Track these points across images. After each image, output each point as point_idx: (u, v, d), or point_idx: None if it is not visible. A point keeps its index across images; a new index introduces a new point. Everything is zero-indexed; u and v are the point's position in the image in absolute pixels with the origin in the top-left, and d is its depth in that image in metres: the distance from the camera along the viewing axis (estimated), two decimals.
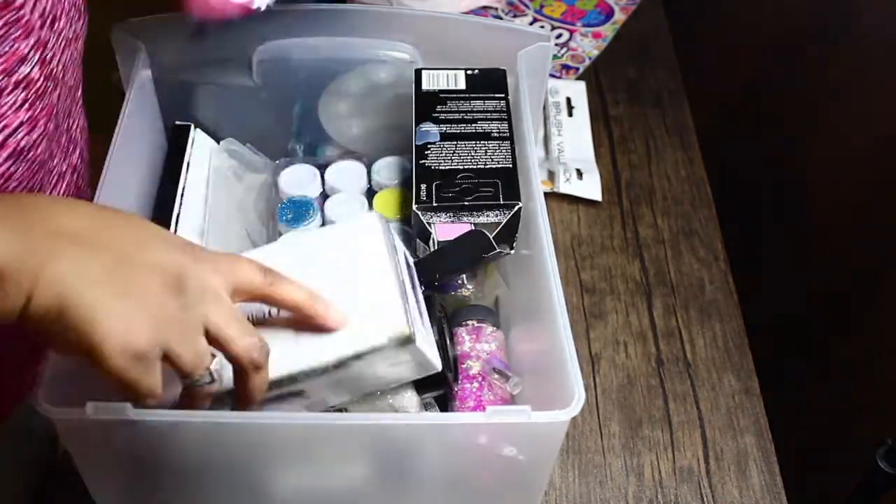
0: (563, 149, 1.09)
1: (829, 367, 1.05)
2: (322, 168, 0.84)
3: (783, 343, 1.12)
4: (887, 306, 0.93)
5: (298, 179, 0.82)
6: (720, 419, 0.85)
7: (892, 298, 0.93)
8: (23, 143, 0.63)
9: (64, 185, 0.73)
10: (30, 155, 0.64)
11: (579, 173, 1.04)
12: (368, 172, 0.83)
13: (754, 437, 0.84)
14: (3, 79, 0.58)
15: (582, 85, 1.16)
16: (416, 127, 0.76)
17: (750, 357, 0.90)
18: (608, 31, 1.23)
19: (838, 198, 1.05)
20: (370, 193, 0.82)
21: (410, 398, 0.67)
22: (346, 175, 0.83)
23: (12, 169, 0.63)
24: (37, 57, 0.60)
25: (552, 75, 1.16)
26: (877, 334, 0.95)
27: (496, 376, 0.74)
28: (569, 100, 1.14)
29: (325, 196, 0.83)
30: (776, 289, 1.16)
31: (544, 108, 1.13)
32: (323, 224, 0.80)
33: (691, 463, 0.82)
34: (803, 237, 1.11)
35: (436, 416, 0.73)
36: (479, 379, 0.74)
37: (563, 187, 1.03)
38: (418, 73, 0.81)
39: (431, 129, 0.76)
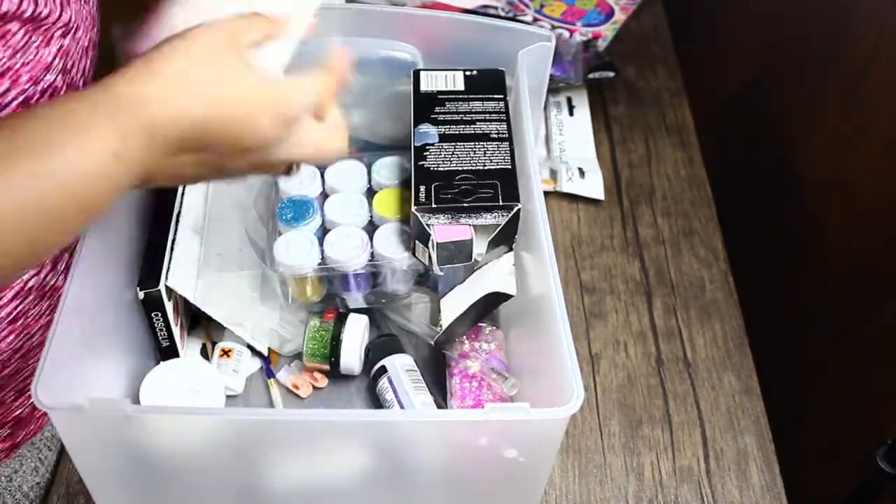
0: (565, 148, 1.09)
1: (829, 367, 1.05)
2: (322, 168, 0.84)
3: (783, 343, 1.12)
4: (887, 306, 0.93)
5: (298, 179, 0.82)
6: (720, 419, 0.85)
7: (892, 298, 0.92)
8: None
9: None
10: None
11: (581, 172, 1.04)
12: (368, 172, 0.83)
13: (754, 437, 0.84)
14: (30, 87, 0.59)
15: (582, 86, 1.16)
16: (414, 128, 0.76)
17: (750, 357, 0.90)
18: (608, 31, 1.23)
19: (839, 198, 1.05)
20: (370, 193, 0.82)
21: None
22: (346, 175, 0.83)
23: None
24: (60, 65, 0.62)
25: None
26: (877, 334, 0.95)
27: (494, 376, 0.74)
28: (569, 99, 1.14)
29: (324, 196, 0.83)
30: (776, 289, 1.16)
31: (545, 107, 1.13)
32: (323, 224, 0.81)
33: (691, 463, 0.82)
34: (803, 237, 1.11)
35: (435, 413, 0.73)
36: (479, 378, 0.74)
37: (566, 186, 1.03)
38: (416, 73, 0.81)
39: (430, 131, 0.76)
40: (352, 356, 0.79)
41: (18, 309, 0.69)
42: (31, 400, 0.74)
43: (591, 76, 1.12)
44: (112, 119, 0.48)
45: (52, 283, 0.71)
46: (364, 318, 0.82)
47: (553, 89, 1.14)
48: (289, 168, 0.60)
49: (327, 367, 0.80)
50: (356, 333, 0.80)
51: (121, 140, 0.48)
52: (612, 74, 1.13)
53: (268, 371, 0.82)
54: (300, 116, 0.56)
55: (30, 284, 0.69)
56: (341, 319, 0.80)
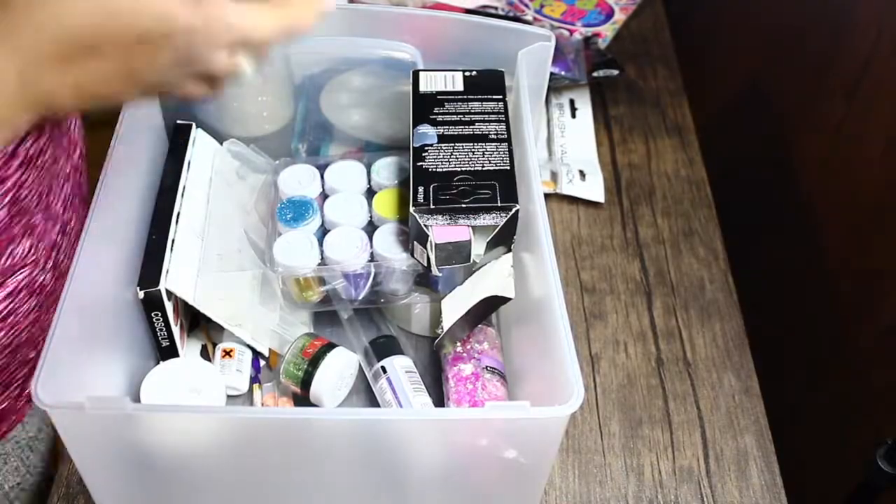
0: (567, 150, 1.09)
1: (829, 366, 1.05)
2: (322, 168, 0.84)
3: (783, 343, 1.12)
4: (887, 306, 0.93)
5: (298, 179, 0.83)
6: (720, 419, 0.85)
7: (892, 298, 0.93)
8: (31, 151, 0.67)
9: (70, 186, 0.74)
10: (38, 162, 0.68)
11: (582, 174, 1.04)
12: (368, 172, 0.84)
13: (754, 437, 0.84)
14: None
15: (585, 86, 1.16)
16: (413, 129, 0.76)
17: (750, 357, 0.90)
18: (608, 31, 1.23)
19: (838, 198, 1.05)
20: (370, 193, 0.82)
21: None
22: (346, 175, 0.83)
23: (25, 177, 0.67)
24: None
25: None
26: (877, 334, 0.95)
27: (488, 375, 0.74)
28: (572, 101, 1.14)
29: (324, 196, 0.83)
30: (776, 289, 1.16)
31: (548, 109, 1.13)
32: (322, 224, 0.81)
33: (691, 463, 0.82)
34: (803, 237, 1.11)
35: (435, 412, 0.73)
36: (473, 380, 0.74)
37: (566, 188, 1.03)
38: (416, 74, 0.81)
39: (429, 131, 0.76)
40: (322, 388, 0.76)
41: (9, 308, 0.70)
42: (14, 394, 0.75)
43: (595, 74, 1.12)
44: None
45: (39, 280, 0.72)
46: (350, 357, 0.79)
47: (556, 90, 1.14)
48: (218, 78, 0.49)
49: (298, 390, 0.78)
50: (333, 368, 0.77)
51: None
52: (616, 73, 1.13)
53: (254, 377, 0.81)
54: None
55: (21, 284, 0.70)
56: (327, 349, 0.78)
